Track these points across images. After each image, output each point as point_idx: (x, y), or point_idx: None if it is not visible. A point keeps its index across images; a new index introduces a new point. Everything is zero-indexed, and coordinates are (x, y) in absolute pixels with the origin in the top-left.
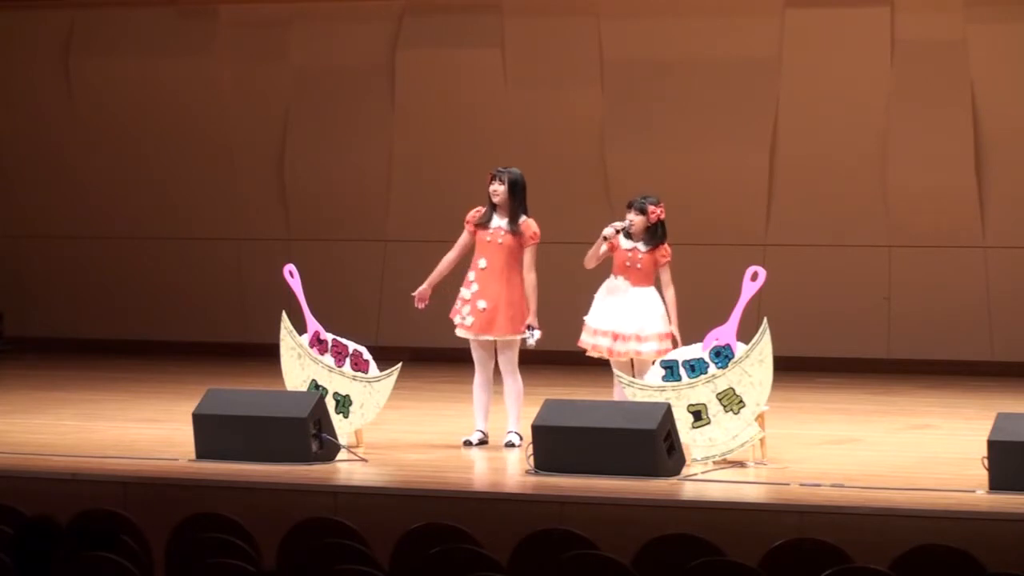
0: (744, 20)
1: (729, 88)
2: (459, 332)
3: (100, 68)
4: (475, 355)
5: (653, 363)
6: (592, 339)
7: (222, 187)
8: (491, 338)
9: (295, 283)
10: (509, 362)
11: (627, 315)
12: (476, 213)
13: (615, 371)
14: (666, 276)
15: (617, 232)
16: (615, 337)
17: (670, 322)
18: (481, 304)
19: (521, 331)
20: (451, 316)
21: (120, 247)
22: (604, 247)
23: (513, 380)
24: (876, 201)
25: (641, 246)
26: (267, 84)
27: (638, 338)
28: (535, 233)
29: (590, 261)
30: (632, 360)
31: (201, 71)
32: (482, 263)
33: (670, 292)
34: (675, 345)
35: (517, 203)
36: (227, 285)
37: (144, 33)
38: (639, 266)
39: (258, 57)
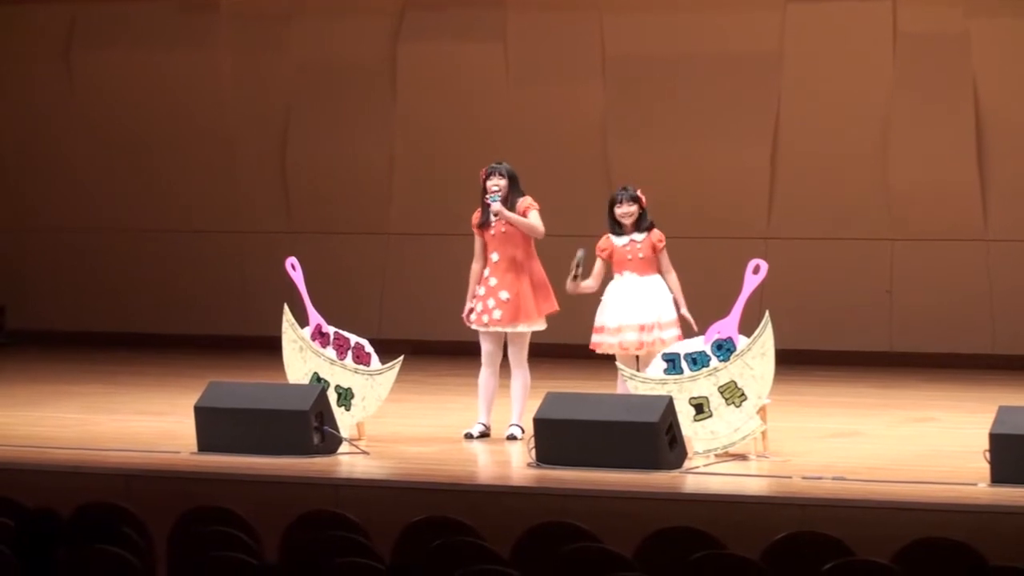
0: (746, 14)
1: (731, 82)
2: (489, 328)
3: (101, 62)
4: (484, 348)
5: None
6: (615, 338)
7: (223, 180)
8: (522, 328)
9: (297, 276)
10: (519, 354)
11: (644, 305)
12: (477, 215)
13: (618, 364)
14: (666, 260)
15: (577, 266)
16: (641, 328)
17: (680, 306)
18: (503, 295)
19: (547, 315)
20: (466, 316)
21: (121, 240)
22: (576, 276)
23: (522, 372)
24: (878, 194)
25: (637, 236)
26: (269, 77)
27: (659, 326)
28: (531, 203)
29: (570, 288)
30: (636, 355)
31: (202, 65)
32: (494, 256)
33: (672, 276)
34: (688, 327)
35: (515, 193)
36: (229, 278)
37: (145, 27)
38: (641, 255)
39: (260, 50)
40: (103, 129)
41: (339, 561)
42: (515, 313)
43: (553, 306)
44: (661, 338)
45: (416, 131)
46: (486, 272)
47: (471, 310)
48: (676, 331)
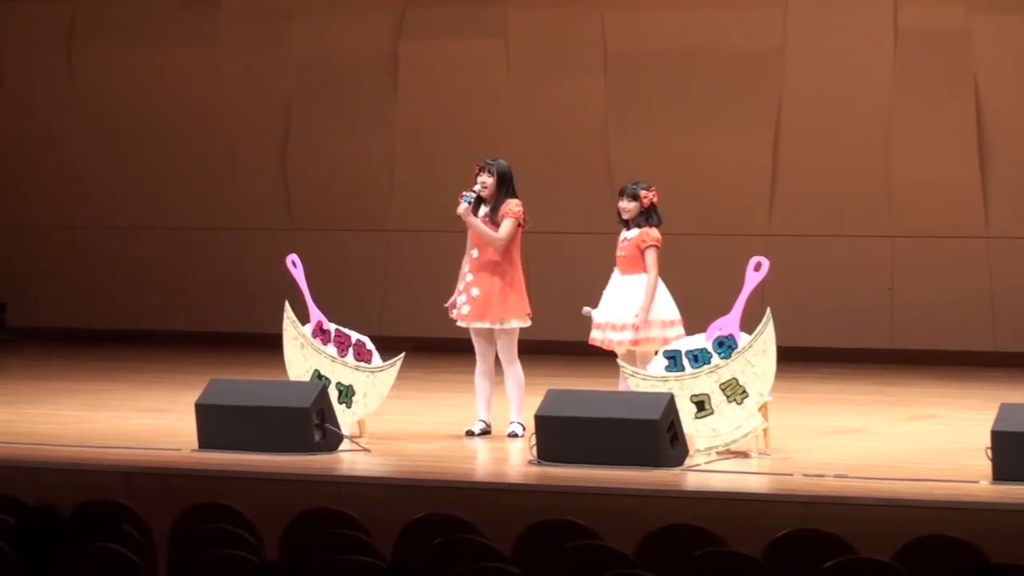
0: (747, 10)
1: (732, 78)
2: (458, 322)
3: (102, 58)
4: (475, 344)
5: (656, 353)
6: (592, 333)
7: (225, 177)
8: (487, 325)
9: (298, 273)
10: (508, 351)
11: (609, 304)
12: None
13: (620, 362)
14: (648, 260)
15: (591, 316)
16: (597, 327)
17: (639, 309)
18: (475, 292)
19: (518, 316)
20: (451, 310)
21: (122, 237)
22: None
23: (513, 370)
24: (879, 191)
25: (628, 233)
26: (270, 74)
27: (613, 327)
28: (511, 210)
29: None
30: (635, 352)
31: (204, 61)
32: (475, 253)
33: (650, 276)
34: (634, 330)
35: (503, 193)
36: (230, 275)
37: (146, 23)
38: (624, 253)
39: (261, 47)
40: (104, 126)
41: (340, 559)
42: (481, 311)
43: (523, 310)
44: (612, 339)
45: (417, 128)
46: (466, 267)
47: (453, 303)
48: (632, 334)
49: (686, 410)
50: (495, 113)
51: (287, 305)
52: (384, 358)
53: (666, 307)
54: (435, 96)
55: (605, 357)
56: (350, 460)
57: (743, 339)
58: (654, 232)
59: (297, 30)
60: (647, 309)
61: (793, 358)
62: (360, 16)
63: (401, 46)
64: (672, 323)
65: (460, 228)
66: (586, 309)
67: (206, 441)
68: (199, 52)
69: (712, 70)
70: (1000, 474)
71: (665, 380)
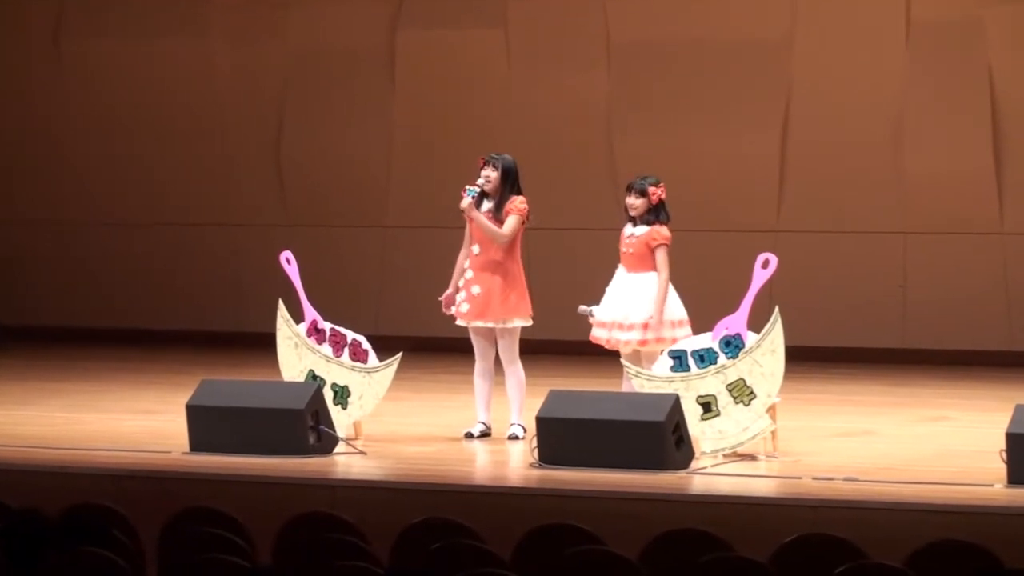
0: (755, 1)
1: (739, 70)
2: (458, 321)
3: (92, 50)
4: (475, 344)
5: (662, 352)
6: (594, 331)
7: (217, 172)
8: (487, 324)
9: (292, 270)
10: (508, 351)
11: (618, 302)
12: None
13: (623, 362)
14: (659, 260)
15: (590, 314)
16: (605, 326)
17: (653, 311)
18: (475, 289)
19: (520, 316)
20: (445, 306)
21: (113, 233)
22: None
23: (514, 370)
24: (891, 187)
25: (636, 230)
26: (263, 65)
27: (620, 327)
28: (516, 207)
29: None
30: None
31: (196, 52)
32: (476, 249)
33: (661, 277)
34: (643, 330)
35: (507, 189)
36: (222, 272)
37: (137, 13)
38: (632, 251)
39: (254, 38)
40: (94, 119)
41: (335, 564)
42: (482, 310)
43: (525, 310)
44: (619, 339)
45: (415, 120)
46: (466, 264)
47: (449, 298)
48: (641, 334)
49: (692, 411)
50: (495, 106)
51: (281, 304)
52: (381, 358)
53: (675, 306)
54: (433, 88)
55: (608, 357)
56: (345, 463)
57: (750, 338)
58: (664, 230)
59: (291, 19)
60: (661, 311)
61: (802, 358)
62: (356, 4)
63: (398, 36)
64: (680, 323)
65: (460, 224)
66: (583, 308)
67: (197, 443)
68: (191, 43)
69: (719, 62)
70: (1015, 477)
71: (670, 381)
